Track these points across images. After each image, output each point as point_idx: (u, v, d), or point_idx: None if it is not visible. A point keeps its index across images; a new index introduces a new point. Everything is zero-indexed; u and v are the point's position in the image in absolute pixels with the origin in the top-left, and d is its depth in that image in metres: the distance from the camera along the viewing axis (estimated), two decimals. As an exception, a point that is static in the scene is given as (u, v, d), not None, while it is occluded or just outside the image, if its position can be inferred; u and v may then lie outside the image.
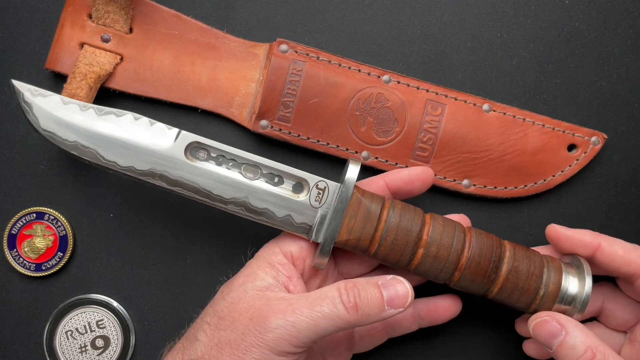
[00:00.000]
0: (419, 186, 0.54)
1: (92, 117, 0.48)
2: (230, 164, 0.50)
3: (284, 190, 0.50)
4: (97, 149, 0.48)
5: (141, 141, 0.48)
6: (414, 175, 0.53)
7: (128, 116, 0.49)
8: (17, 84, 0.48)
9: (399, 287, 0.47)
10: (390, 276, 0.48)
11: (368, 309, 0.46)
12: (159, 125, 0.49)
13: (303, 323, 0.45)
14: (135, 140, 0.48)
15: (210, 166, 0.49)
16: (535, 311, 0.52)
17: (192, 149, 0.49)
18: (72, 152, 0.48)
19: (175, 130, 0.49)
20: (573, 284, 0.51)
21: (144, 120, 0.49)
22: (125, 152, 0.48)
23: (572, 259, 0.53)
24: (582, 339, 0.48)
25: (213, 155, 0.50)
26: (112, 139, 0.48)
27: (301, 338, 0.45)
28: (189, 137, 0.49)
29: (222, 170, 0.49)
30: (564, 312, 0.51)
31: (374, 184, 0.53)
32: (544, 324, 0.49)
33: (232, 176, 0.49)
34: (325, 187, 0.50)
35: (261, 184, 0.49)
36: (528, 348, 0.56)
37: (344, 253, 0.55)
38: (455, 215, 0.55)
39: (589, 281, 0.51)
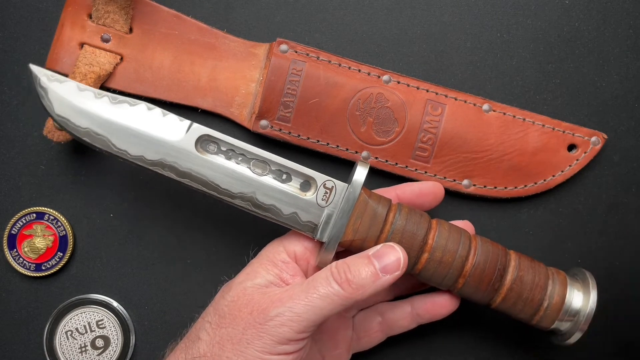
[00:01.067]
0: (430, 200, 0.54)
1: (106, 105, 0.48)
2: (240, 158, 0.50)
3: (292, 188, 0.50)
4: (109, 137, 0.48)
5: (153, 131, 0.48)
6: (425, 189, 0.54)
7: (141, 106, 0.49)
8: (34, 68, 0.48)
9: (390, 252, 0.48)
10: (381, 245, 0.49)
11: (361, 280, 0.46)
12: (172, 116, 0.49)
13: (301, 306, 0.45)
14: (147, 130, 0.48)
15: (220, 160, 0.49)
16: (538, 323, 0.51)
17: (202, 142, 0.49)
18: (84, 138, 0.48)
19: (187, 122, 0.49)
20: (577, 298, 0.51)
21: (157, 110, 0.49)
22: (137, 141, 0.48)
23: (577, 273, 0.53)
24: None
25: (223, 149, 0.50)
26: (125, 128, 0.48)
27: (301, 322, 0.45)
28: (200, 129, 0.49)
29: (231, 165, 0.49)
30: (567, 326, 0.51)
31: (386, 194, 0.54)
32: None
33: (240, 171, 0.49)
34: (332, 187, 0.50)
35: (269, 180, 0.49)
36: None
37: (347, 255, 0.55)
38: (459, 222, 0.55)
39: (593, 295, 0.50)
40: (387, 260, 0.47)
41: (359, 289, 0.46)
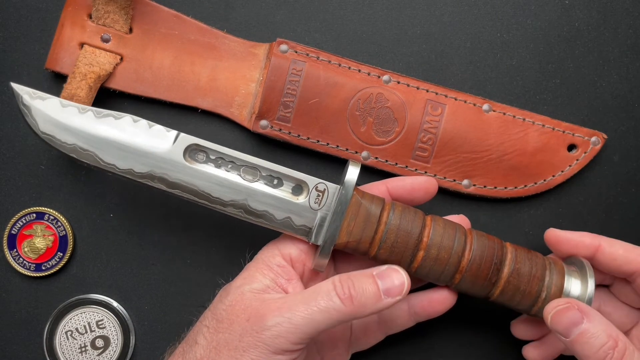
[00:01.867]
0: (421, 195, 0.54)
1: (90, 120, 0.48)
2: (230, 166, 0.49)
3: (284, 193, 0.50)
4: (96, 152, 0.48)
5: (140, 144, 0.48)
6: (417, 185, 0.53)
7: (127, 118, 0.49)
8: (16, 87, 0.48)
9: (395, 275, 0.47)
10: (385, 266, 0.48)
11: (363, 299, 0.46)
12: (158, 127, 0.49)
13: (300, 318, 0.45)
14: (134, 143, 0.48)
15: (209, 168, 0.49)
16: (537, 313, 0.51)
17: (191, 151, 0.49)
18: (71, 154, 0.48)
19: (174, 132, 0.49)
20: (575, 287, 0.51)
21: (143, 122, 0.49)
22: (124, 154, 0.48)
23: (575, 261, 0.53)
24: (604, 327, 0.46)
25: (212, 157, 0.49)
26: (111, 142, 0.48)
27: (299, 334, 0.45)
28: (187, 139, 0.49)
29: (221, 173, 0.49)
30: None
31: (376, 189, 0.53)
32: (565, 311, 0.48)
33: (231, 178, 0.49)
34: (324, 189, 0.50)
35: (260, 186, 0.49)
36: (530, 353, 0.56)
37: (343, 256, 0.55)
38: (454, 217, 0.55)
39: (591, 284, 0.50)
40: (391, 283, 0.47)
41: (360, 308, 0.46)
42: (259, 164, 0.49)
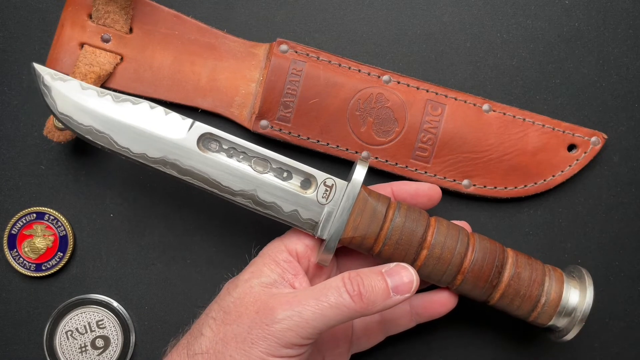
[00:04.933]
0: (424, 202, 0.54)
1: (109, 104, 0.49)
2: (241, 156, 0.50)
3: (292, 186, 0.50)
4: (112, 135, 0.49)
5: (155, 129, 0.49)
6: (421, 191, 0.54)
7: (144, 104, 0.49)
8: (38, 67, 0.49)
9: (404, 273, 0.48)
10: (394, 264, 0.48)
11: (373, 296, 0.46)
12: (174, 115, 0.50)
13: (310, 313, 0.45)
14: (150, 128, 0.49)
15: (221, 158, 0.50)
16: (535, 319, 0.51)
17: (204, 140, 0.50)
18: (86, 136, 0.49)
19: (189, 120, 0.50)
20: (574, 294, 0.51)
21: (159, 109, 0.50)
22: (139, 139, 0.49)
23: (573, 269, 0.54)
24: None
25: (225, 147, 0.50)
26: (127, 126, 0.49)
27: (308, 328, 0.45)
28: (202, 128, 0.50)
29: (233, 163, 0.50)
30: (564, 322, 0.51)
31: (381, 190, 0.54)
32: None
33: (242, 169, 0.49)
34: (333, 185, 0.50)
35: (270, 178, 0.50)
36: None
37: (347, 254, 0.55)
38: (456, 222, 0.55)
39: (590, 292, 0.51)
40: (400, 280, 0.47)
41: (369, 305, 0.46)
42: (270, 156, 0.50)
